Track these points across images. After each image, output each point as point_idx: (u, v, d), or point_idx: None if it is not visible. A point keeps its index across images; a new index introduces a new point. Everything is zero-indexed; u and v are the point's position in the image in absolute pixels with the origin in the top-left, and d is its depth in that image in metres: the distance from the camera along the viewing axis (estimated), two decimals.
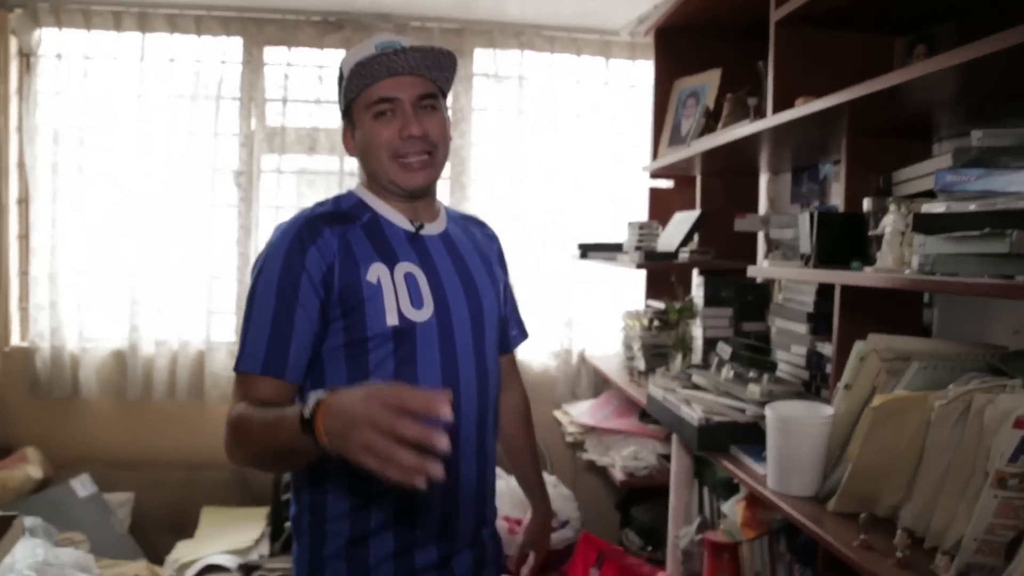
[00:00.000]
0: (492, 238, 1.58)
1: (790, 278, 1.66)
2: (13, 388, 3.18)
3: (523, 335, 1.68)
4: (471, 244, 1.47)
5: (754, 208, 2.55)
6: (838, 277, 1.44)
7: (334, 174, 3.24)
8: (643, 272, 3.04)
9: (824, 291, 1.90)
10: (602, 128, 3.27)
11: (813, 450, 1.50)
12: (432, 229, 1.39)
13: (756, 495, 1.63)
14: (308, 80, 3.23)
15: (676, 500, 2.22)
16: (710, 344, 2.38)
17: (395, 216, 1.36)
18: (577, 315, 3.29)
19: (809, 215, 1.57)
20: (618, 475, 2.49)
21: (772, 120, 1.59)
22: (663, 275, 2.88)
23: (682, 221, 2.47)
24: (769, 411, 1.54)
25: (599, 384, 3.33)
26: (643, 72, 3.28)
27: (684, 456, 2.20)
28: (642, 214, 3.08)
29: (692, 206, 3.04)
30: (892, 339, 1.45)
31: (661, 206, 3.02)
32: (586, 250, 2.65)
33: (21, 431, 3.16)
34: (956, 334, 1.71)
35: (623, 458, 2.52)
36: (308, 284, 1.24)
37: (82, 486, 2.87)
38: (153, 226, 3.15)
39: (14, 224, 3.23)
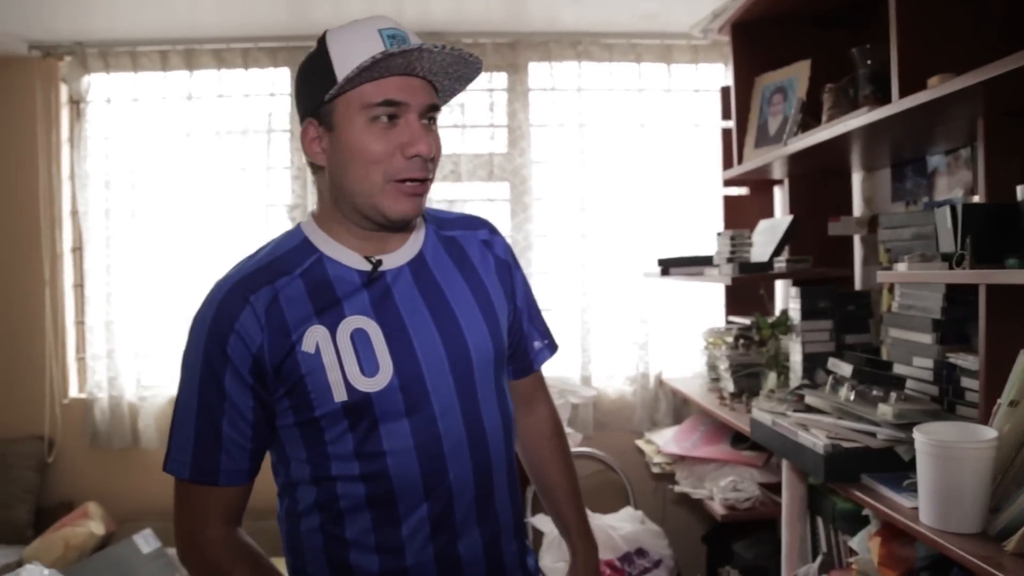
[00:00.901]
0: (488, 242, 1.25)
1: (956, 281, 1.43)
2: (72, 441, 3.10)
3: (551, 348, 1.35)
4: (454, 264, 1.18)
5: (846, 210, 2.35)
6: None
7: None
8: (721, 286, 2.85)
9: (953, 295, 1.71)
10: (667, 137, 3.09)
11: (977, 479, 1.29)
12: (395, 260, 1.12)
13: (907, 531, 1.42)
14: None
15: (790, 535, 2.01)
16: (810, 360, 2.18)
17: (345, 255, 1.09)
18: (652, 336, 3.10)
19: (951, 209, 1.37)
20: (718, 508, 2.29)
21: (902, 104, 1.40)
22: (745, 289, 2.69)
23: (770, 229, 2.28)
24: (920, 435, 1.34)
25: (678, 409, 3.13)
26: (706, 76, 3.11)
27: (797, 486, 1.99)
28: (716, 225, 2.89)
29: (769, 213, 2.87)
30: None
31: (735, 215, 2.84)
32: (668, 266, 2.47)
33: (82, 485, 3.07)
34: None
35: (721, 489, 2.32)
36: (234, 379, 1.04)
37: (145, 542, 2.75)
38: (208, 267, 3.06)
39: (69, 273, 3.18)
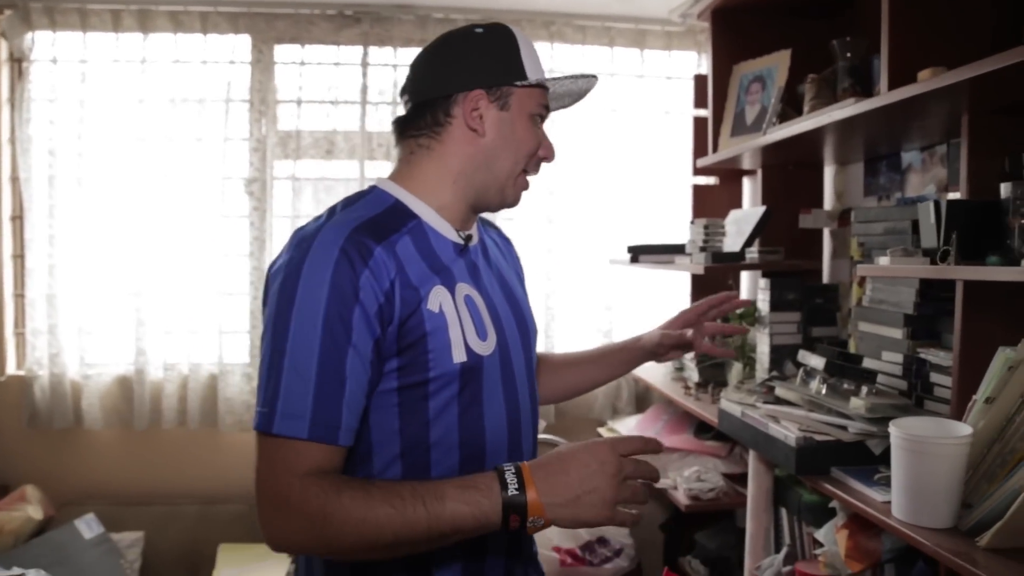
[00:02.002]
0: (509, 242, 1.38)
1: (941, 277, 1.42)
2: (10, 421, 2.94)
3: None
4: (499, 252, 1.29)
5: (817, 203, 2.36)
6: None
7: (354, 180, 3.03)
8: (687, 275, 2.84)
9: (925, 291, 1.71)
10: (638, 123, 3.06)
11: (951, 475, 1.29)
12: (473, 240, 1.18)
13: (880, 525, 1.42)
14: (324, 79, 3.01)
15: (755, 526, 2.01)
16: (777, 352, 2.18)
17: (442, 225, 1.12)
18: (616, 324, 3.08)
19: (935, 204, 1.36)
20: (682, 499, 2.28)
21: (892, 96, 1.39)
22: (712, 279, 2.68)
23: (742, 219, 2.27)
24: (896, 430, 1.33)
25: (641, 397, 3.13)
26: (679, 64, 3.09)
27: (764, 477, 1.99)
28: (684, 214, 2.88)
29: (737, 204, 2.86)
30: None
31: (704, 205, 2.83)
32: (637, 253, 2.44)
33: (19, 468, 2.91)
34: None
35: (685, 479, 2.31)
36: (362, 319, 0.97)
37: (87, 527, 2.63)
38: (159, 241, 2.94)
39: (8, 243, 3.01)
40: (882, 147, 2.02)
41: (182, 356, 2.97)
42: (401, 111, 1.18)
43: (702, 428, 2.51)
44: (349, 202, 1.11)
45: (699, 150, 2.59)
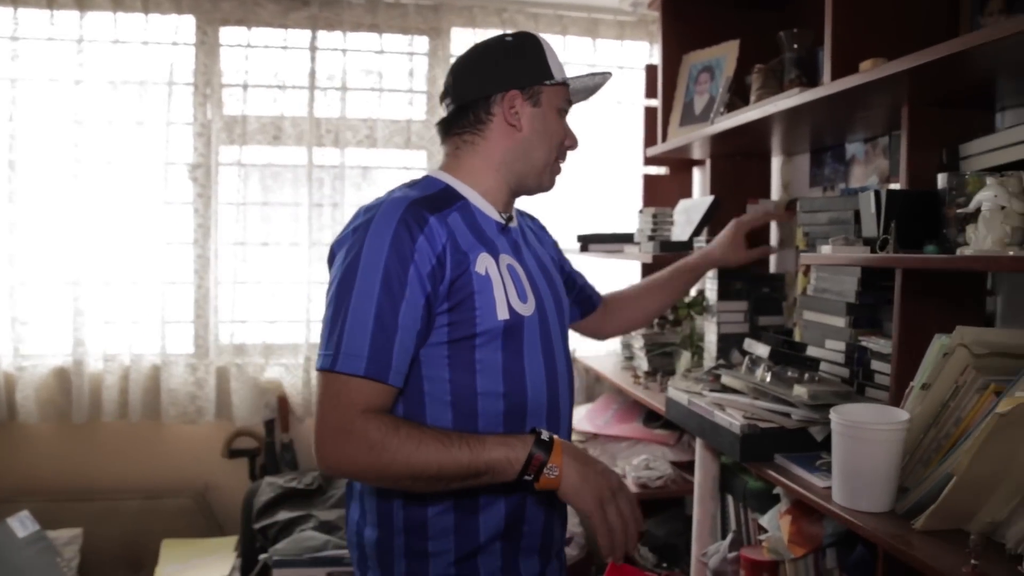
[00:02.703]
0: (544, 228, 1.55)
1: (881, 265, 1.44)
2: None
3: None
4: (535, 238, 1.44)
5: (764, 193, 2.38)
6: (977, 263, 1.20)
7: (302, 167, 2.97)
8: (638, 265, 2.85)
9: (867, 280, 1.74)
10: (590, 113, 3.05)
11: (888, 460, 1.31)
12: (513, 222, 1.35)
13: (820, 511, 1.44)
14: (271, 63, 2.95)
15: (701, 513, 2.02)
16: (724, 341, 2.20)
17: (486, 207, 1.28)
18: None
19: (875, 194, 1.38)
20: (631, 487, 2.29)
21: (835, 86, 1.40)
22: (660, 268, 2.69)
23: (690, 209, 2.28)
24: (836, 416, 1.35)
25: (591, 386, 3.14)
26: (631, 54, 3.09)
27: (711, 464, 2.00)
28: (635, 204, 2.89)
29: (687, 194, 2.88)
30: (982, 331, 1.28)
31: (654, 195, 2.84)
32: (587, 242, 2.44)
33: None
34: (1020, 324, 1.56)
35: (634, 468, 2.32)
36: (415, 277, 1.13)
37: (21, 524, 2.53)
38: (98, 228, 2.84)
39: None
40: (827, 138, 2.05)
41: (123, 347, 2.89)
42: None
43: (651, 417, 2.53)
44: (408, 185, 1.27)
45: (650, 140, 2.60)
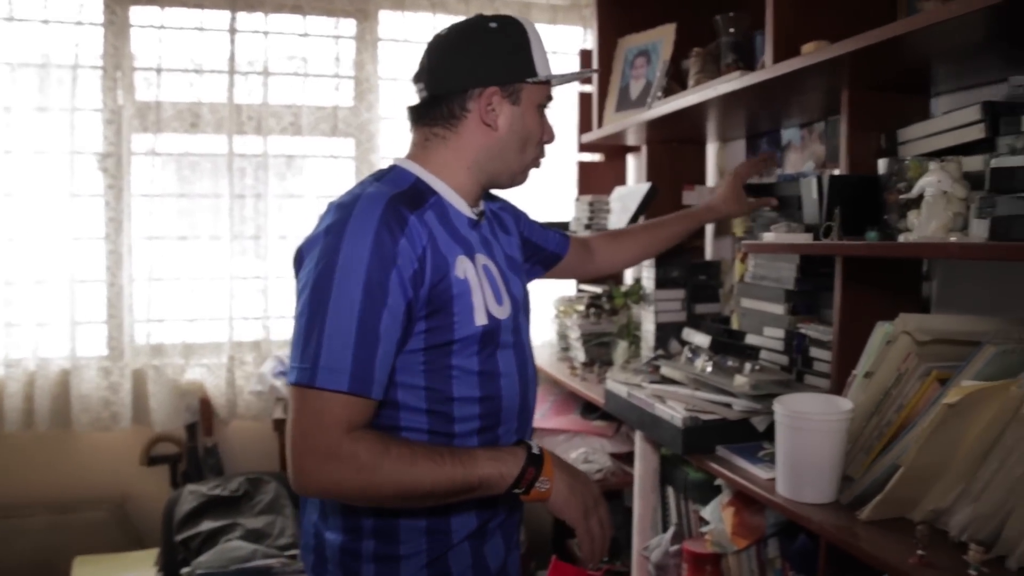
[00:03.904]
0: (506, 208, 1.46)
1: (826, 252, 1.41)
2: None
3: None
4: (500, 225, 1.37)
5: (700, 180, 2.36)
6: (923, 250, 1.17)
7: (222, 156, 2.81)
8: None
9: (805, 267, 1.73)
10: None
11: (832, 450, 1.29)
12: (483, 217, 1.29)
13: (764, 503, 1.41)
14: (186, 46, 2.77)
15: (642, 506, 1.99)
16: (662, 330, 2.18)
17: (458, 202, 1.21)
18: None
19: (817, 180, 1.35)
20: None
21: (777, 69, 1.36)
22: None
23: (627, 196, 2.24)
24: (779, 407, 1.33)
25: None
26: (565, 38, 3.03)
27: (651, 457, 1.97)
28: (570, 191, 2.84)
29: (622, 181, 2.85)
30: (924, 318, 1.27)
31: (589, 182, 2.80)
32: None
33: None
34: (957, 309, 1.56)
35: (573, 462, 2.27)
36: (397, 282, 1.06)
37: None
38: None
39: None
40: (763, 124, 2.03)
41: (27, 351, 2.68)
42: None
43: (588, 408, 2.49)
44: (377, 178, 1.19)
45: (584, 126, 2.55)
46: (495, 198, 1.45)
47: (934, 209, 1.15)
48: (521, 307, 1.30)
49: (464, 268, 1.15)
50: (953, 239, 1.13)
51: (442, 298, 1.11)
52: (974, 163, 1.23)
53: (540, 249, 1.59)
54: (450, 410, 1.16)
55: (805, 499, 1.31)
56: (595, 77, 2.27)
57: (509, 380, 1.22)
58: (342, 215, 1.07)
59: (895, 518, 1.21)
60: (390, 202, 1.08)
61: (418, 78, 1.23)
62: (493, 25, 1.19)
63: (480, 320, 1.15)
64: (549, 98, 1.25)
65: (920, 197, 1.20)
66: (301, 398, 1.04)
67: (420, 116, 1.23)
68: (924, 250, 1.10)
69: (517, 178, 1.27)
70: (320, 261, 1.05)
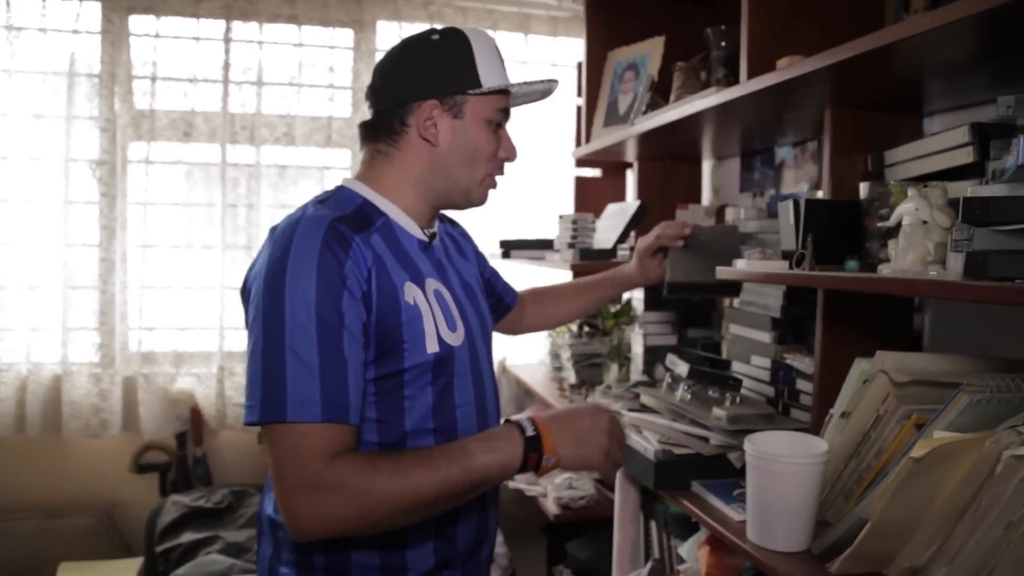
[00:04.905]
0: (466, 235, 1.42)
1: (795, 283, 1.31)
2: None
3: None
4: (457, 250, 1.32)
5: (695, 198, 2.28)
6: (893, 286, 1.06)
7: (215, 165, 2.79)
8: (569, 272, 2.73)
9: (793, 294, 1.64)
10: (521, 111, 2.91)
11: (805, 495, 1.20)
12: (436, 239, 1.23)
13: (733, 548, 1.33)
14: (182, 55, 2.76)
15: (622, 538, 1.90)
16: (651, 353, 2.10)
17: (408, 223, 1.16)
18: None
19: (794, 203, 1.27)
20: (551, 508, 2.17)
21: (751, 85, 1.28)
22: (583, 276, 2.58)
23: (617, 214, 2.17)
24: (749, 446, 1.24)
25: (521, 397, 3.01)
26: (565, 50, 2.97)
27: (630, 488, 1.88)
28: (567, 207, 2.77)
29: (621, 197, 2.77)
30: (904, 357, 1.17)
31: (587, 198, 2.72)
32: (509, 248, 2.32)
33: None
34: (952, 345, 1.47)
35: (556, 487, 2.20)
36: (351, 303, 1.01)
37: None
38: None
39: None
40: (757, 142, 1.95)
41: (20, 355, 2.68)
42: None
43: None
44: (320, 200, 1.13)
45: (580, 141, 2.48)
46: (455, 223, 1.40)
47: (912, 239, 1.07)
48: (479, 334, 1.23)
49: (412, 294, 1.09)
50: (933, 273, 1.05)
51: (391, 323, 1.05)
52: (962, 189, 1.14)
53: (498, 298, 1.54)
54: (403, 444, 1.09)
55: (775, 546, 1.22)
56: (584, 89, 2.20)
57: (465, 411, 1.16)
58: (283, 242, 1.02)
59: (869, 572, 1.12)
60: (331, 225, 1.03)
61: (367, 95, 1.19)
62: (435, 37, 1.14)
63: (431, 347, 1.09)
64: (505, 112, 1.18)
65: (899, 225, 1.12)
66: (275, 437, 0.97)
67: (367, 133, 1.19)
68: (893, 286, 1.01)
69: (473, 195, 1.20)
70: (267, 294, 1.00)
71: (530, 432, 1.06)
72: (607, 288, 1.73)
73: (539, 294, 1.72)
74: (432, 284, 1.14)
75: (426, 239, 1.18)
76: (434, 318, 1.11)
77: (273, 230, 1.08)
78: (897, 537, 1.07)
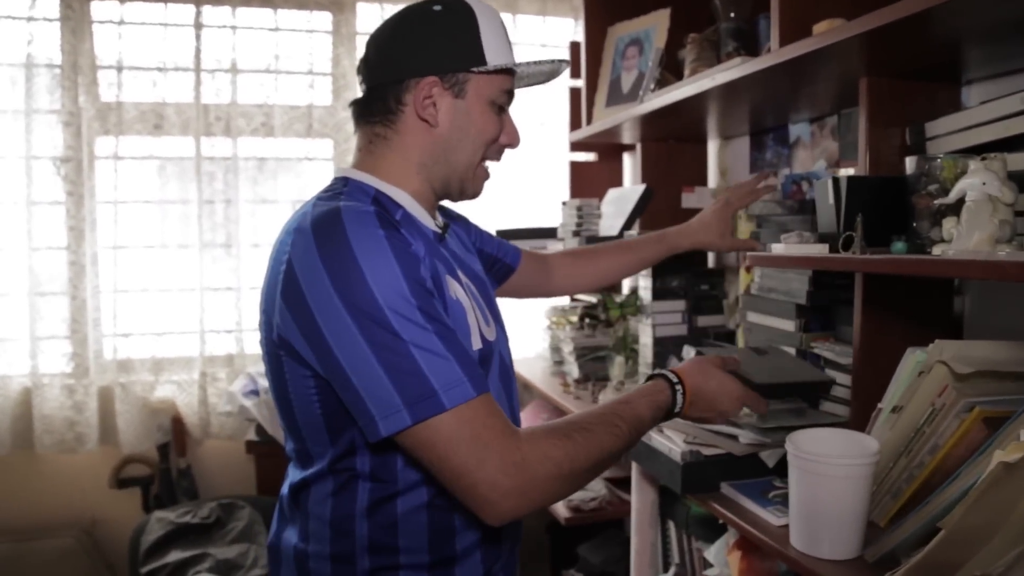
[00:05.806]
0: (463, 220, 1.37)
1: (846, 268, 1.19)
2: None
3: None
4: (459, 242, 1.25)
5: (701, 181, 2.17)
6: (968, 269, 0.92)
7: (189, 159, 2.64)
8: None
9: (819, 279, 1.54)
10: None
11: (855, 499, 1.10)
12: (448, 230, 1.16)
13: (775, 556, 1.23)
14: (149, 43, 2.59)
15: (640, 542, 1.81)
16: (661, 344, 1.99)
17: (421, 214, 1.08)
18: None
19: (833, 182, 1.16)
20: (562, 510, 2.06)
21: (784, 53, 1.17)
22: None
23: (620, 199, 2.06)
24: (792, 447, 1.14)
25: (520, 393, 2.89)
26: (554, 31, 2.85)
27: (648, 489, 1.78)
28: (562, 194, 2.65)
29: (618, 182, 2.66)
30: (963, 346, 1.08)
31: (583, 184, 2.61)
32: (507, 238, 2.19)
33: None
34: (994, 329, 1.37)
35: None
36: (431, 279, 0.95)
37: None
38: None
39: None
40: (769, 119, 1.84)
41: None
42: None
43: None
44: (337, 192, 1.01)
45: (575, 124, 2.36)
46: (446, 211, 1.31)
47: (978, 217, 0.96)
48: (500, 324, 1.18)
49: (455, 288, 1.03)
50: (1002, 254, 0.94)
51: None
52: (1019, 161, 1.04)
53: (494, 260, 1.46)
54: None
55: (823, 554, 1.12)
56: (583, 69, 2.08)
57: (500, 403, 1.07)
58: (335, 237, 0.90)
59: None
60: (378, 212, 0.94)
61: (359, 70, 1.09)
62: (437, 8, 1.03)
63: (476, 343, 1.03)
64: (509, 93, 1.09)
65: (959, 202, 1.01)
66: (438, 433, 0.88)
67: (360, 113, 1.08)
68: (969, 269, 0.91)
69: (467, 185, 1.11)
70: (346, 293, 0.88)
71: (673, 379, 1.13)
72: (652, 248, 1.65)
73: (575, 252, 1.66)
74: (463, 278, 1.08)
75: (439, 231, 1.10)
76: (475, 313, 1.05)
77: (298, 231, 0.94)
78: (971, 545, 0.97)
